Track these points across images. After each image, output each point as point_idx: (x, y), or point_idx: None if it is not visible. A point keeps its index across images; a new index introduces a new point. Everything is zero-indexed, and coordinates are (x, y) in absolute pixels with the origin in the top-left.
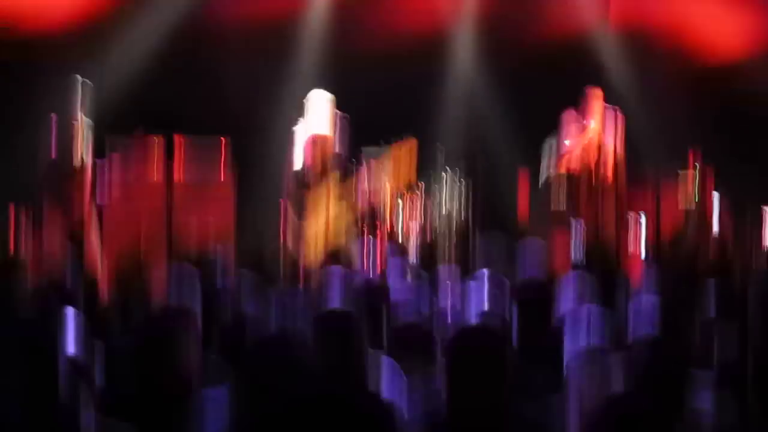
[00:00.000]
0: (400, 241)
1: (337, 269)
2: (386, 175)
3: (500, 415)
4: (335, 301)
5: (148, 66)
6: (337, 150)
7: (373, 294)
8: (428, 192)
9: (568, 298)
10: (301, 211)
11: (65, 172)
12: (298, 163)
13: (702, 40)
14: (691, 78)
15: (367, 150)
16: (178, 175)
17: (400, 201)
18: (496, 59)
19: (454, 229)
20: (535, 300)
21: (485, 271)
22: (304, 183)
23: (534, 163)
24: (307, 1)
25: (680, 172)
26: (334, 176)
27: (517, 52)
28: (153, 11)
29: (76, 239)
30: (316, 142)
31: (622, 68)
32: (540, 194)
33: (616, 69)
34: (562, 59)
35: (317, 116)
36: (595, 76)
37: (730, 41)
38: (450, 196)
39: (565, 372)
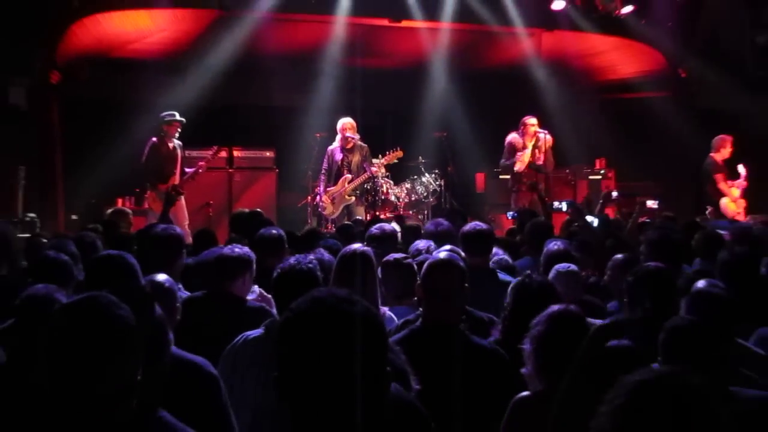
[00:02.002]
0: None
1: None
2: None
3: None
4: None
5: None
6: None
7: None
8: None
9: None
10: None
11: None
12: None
13: (604, 64)
14: (597, 90)
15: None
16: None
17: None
18: (462, 88)
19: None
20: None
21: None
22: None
23: (488, 168)
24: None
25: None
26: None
27: (478, 79)
28: (215, 56)
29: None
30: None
31: (550, 87)
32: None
33: (546, 89)
34: (507, 83)
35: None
36: (532, 98)
37: (625, 64)
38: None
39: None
